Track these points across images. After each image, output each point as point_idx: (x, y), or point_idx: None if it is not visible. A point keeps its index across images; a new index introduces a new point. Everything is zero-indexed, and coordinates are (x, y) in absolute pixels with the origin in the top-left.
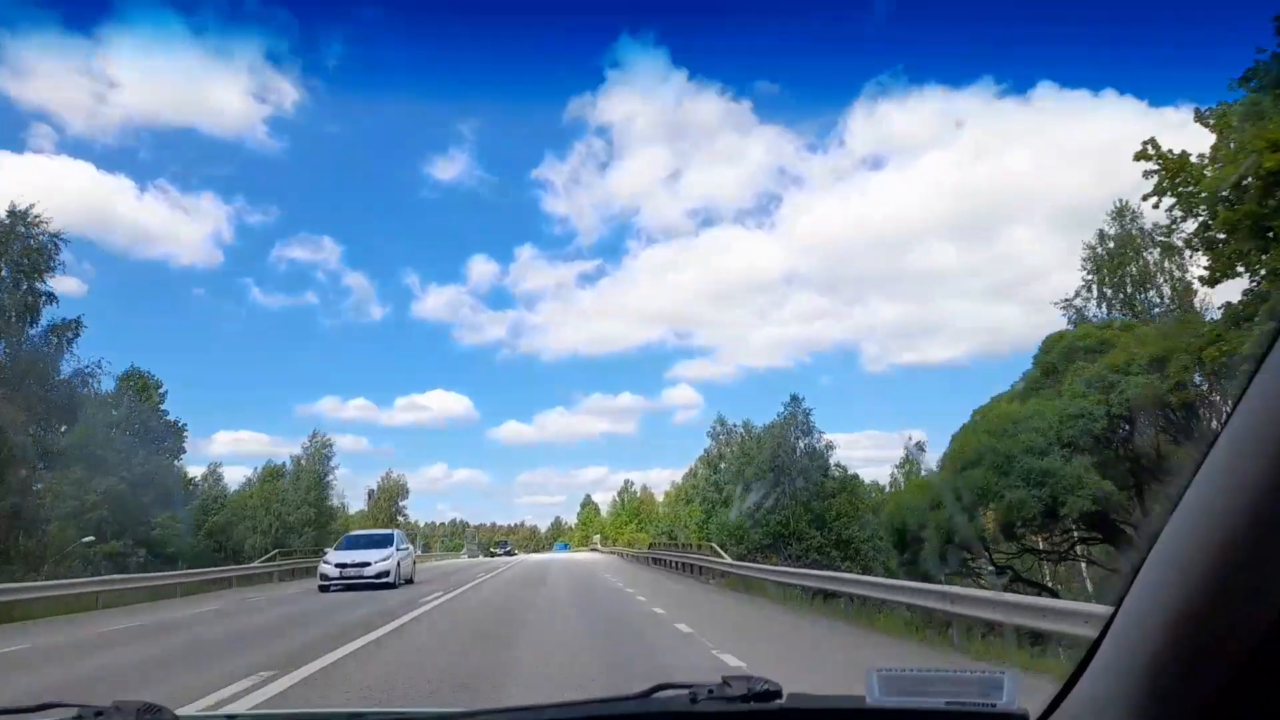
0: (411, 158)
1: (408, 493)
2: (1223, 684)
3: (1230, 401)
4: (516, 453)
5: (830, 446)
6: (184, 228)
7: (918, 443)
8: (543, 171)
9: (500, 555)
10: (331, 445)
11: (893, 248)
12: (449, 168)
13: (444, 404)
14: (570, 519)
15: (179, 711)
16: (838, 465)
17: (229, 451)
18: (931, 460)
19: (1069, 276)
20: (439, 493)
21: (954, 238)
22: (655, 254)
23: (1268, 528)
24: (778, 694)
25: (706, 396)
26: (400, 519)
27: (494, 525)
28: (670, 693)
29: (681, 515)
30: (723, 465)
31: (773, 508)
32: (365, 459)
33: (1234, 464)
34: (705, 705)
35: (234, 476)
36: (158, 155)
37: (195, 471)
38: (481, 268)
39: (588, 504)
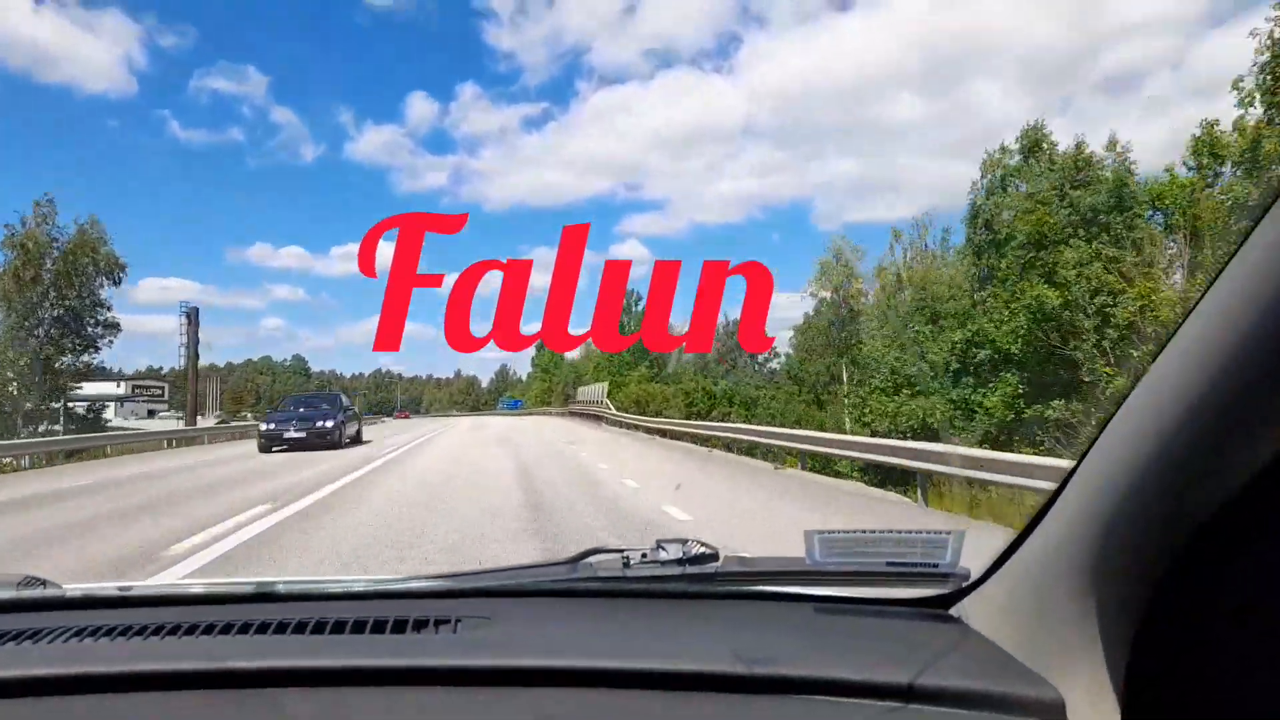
0: None
1: (120, 271)
2: (1178, 553)
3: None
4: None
5: None
6: (88, 48)
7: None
8: None
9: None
10: None
11: (853, 98)
12: None
13: (384, 253)
14: (521, 371)
15: (67, 586)
16: None
17: (158, 299)
18: None
19: None
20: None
21: (916, 88)
22: (606, 97)
23: (1244, 391)
24: (714, 557)
25: (656, 252)
26: (103, 314)
27: (429, 377)
28: (602, 557)
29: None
30: None
31: None
32: (302, 309)
33: (1215, 323)
34: (638, 569)
35: (164, 326)
36: None
37: None
38: (420, 106)
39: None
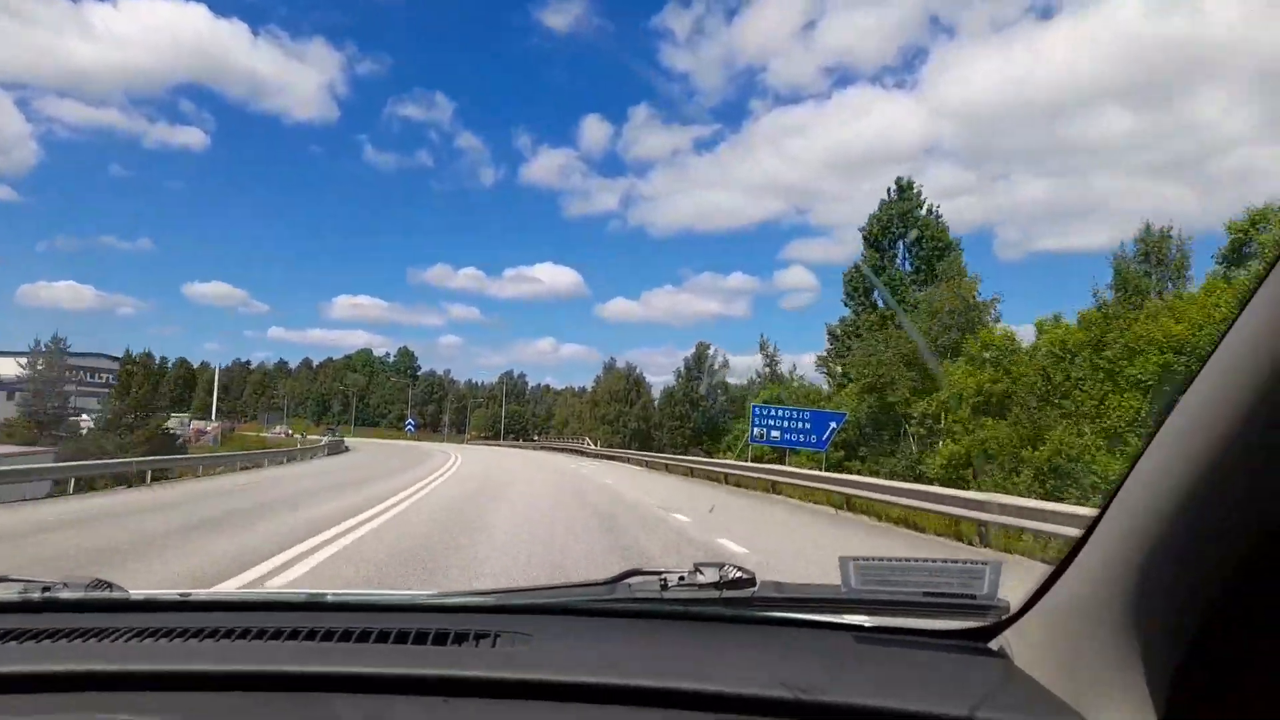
0: (523, 1)
1: None
2: (1217, 582)
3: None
4: (623, 330)
5: None
6: (297, 78)
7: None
8: (663, 19)
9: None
10: None
11: (1051, 114)
12: (563, 13)
13: (553, 277)
14: (743, 359)
15: (131, 590)
16: None
17: (349, 315)
18: None
19: (1262, 150)
20: (548, 366)
21: (1126, 102)
22: (780, 117)
23: (1270, 427)
24: (751, 582)
25: (822, 280)
26: None
27: (581, 390)
28: (640, 579)
29: None
30: None
31: None
32: (477, 329)
33: (1239, 361)
34: (675, 592)
35: (357, 340)
36: None
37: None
38: (594, 129)
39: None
